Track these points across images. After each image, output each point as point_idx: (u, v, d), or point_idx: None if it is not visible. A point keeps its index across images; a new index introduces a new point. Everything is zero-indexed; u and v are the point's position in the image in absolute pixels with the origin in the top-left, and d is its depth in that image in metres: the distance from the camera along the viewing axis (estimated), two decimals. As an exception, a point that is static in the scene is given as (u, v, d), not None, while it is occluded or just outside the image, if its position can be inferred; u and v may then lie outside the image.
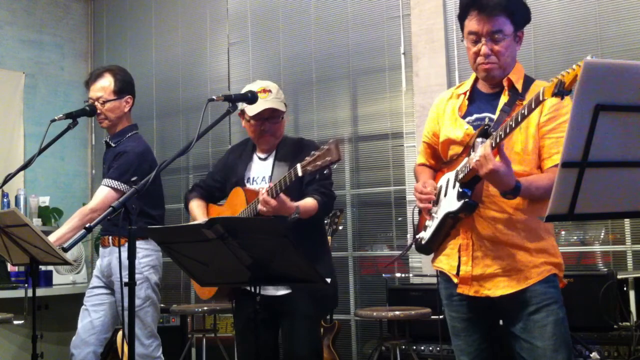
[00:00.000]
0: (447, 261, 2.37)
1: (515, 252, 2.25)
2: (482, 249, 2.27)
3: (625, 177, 1.64)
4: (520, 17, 2.28)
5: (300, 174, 2.52)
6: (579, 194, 1.60)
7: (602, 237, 4.25)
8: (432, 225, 2.38)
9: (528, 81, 2.31)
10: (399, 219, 4.91)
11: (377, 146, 5.02)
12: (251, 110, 2.84)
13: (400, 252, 4.84)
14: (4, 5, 5.87)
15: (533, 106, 1.91)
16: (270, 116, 2.89)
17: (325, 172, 2.71)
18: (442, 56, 4.70)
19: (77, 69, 6.41)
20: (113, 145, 3.39)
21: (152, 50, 6.17)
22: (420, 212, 2.55)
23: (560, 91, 1.76)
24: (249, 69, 5.62)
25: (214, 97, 2.54)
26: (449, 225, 2.32)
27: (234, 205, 2.92)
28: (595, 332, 3.64)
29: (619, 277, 3.77)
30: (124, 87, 3.39)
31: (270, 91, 2.88)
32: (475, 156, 2.09)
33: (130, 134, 3.40)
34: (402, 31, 4.92)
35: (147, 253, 3.27)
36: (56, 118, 3.21)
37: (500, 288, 2.25)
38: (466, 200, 2.20)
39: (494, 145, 2.06)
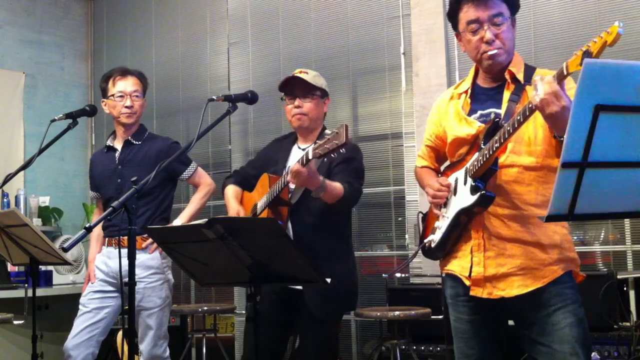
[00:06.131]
0: (458, 263, 2.28)
1: (528, 249, 2.17)
2: (495, 248, 2.19)
3: (625, 177, 1.64)
4: (513, 1, 2.25)
5: (310, 157, 2.53)
6: (579, 194, 1.60)
7: (602, 237, 4.25)
8: (442, 225, 2.29)
9: (529, 70, 2.24)
10: (399, 219, 4.91)
11: (377, 146, 5.02)
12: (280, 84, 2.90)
13: (400, 253, 4.85)
14: (4, 5, 5.86)
15: (557, 81, 1.83)
16: (302, 94, 2.92)
17: (355, 166, 2.83)
18: (442, 56, 4.70)
19: (77, 69, 6.41)
20: (137, 143, 3.42)
21: (152, 50, 6.17)
22: (424, 218, 2.47)
23: None
24: (249, 69, 5.61)
25: (214, 97, 2.55)
26: (462, 223, 2.23)
27: (260, 191, 2.97)
28: (595, 332, 3.63)
29: (619, 277, 3.77)
30: (145, 90, 3.53)
31: (307, 72, 2.94)
32: (539, 94, 1.85)
33: (148, 132, 3.52)
34: (402, 31, 4.92)
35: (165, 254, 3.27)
36: (56, 118, 3.22)
37: (515, 287, 2.17)
38: (482, 192, 2.10)
39: (521, 120, 1.94)
